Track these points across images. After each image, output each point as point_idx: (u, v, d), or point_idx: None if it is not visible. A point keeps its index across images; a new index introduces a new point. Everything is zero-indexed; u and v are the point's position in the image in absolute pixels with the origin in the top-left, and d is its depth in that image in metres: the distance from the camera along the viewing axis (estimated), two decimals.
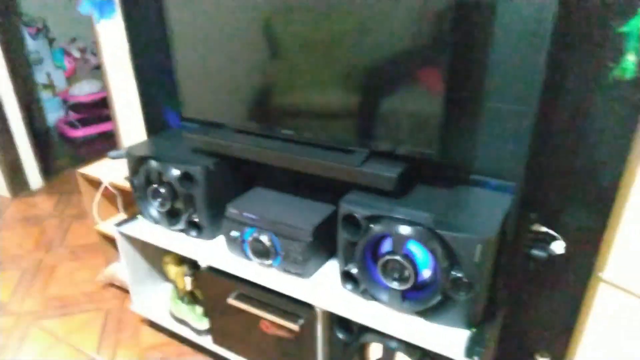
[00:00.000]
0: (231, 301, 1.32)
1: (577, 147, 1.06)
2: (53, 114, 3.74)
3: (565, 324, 1.26)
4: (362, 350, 1.22)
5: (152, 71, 1.51)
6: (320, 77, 1.10)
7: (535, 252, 1.10)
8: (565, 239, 1.13)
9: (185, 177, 1.34)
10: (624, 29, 0.85)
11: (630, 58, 0.85)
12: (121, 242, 1.56)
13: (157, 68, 1.50)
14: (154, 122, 1.56)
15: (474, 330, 1.04)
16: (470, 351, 0.99)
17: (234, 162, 1.38)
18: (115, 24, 1.68)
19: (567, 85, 1.02)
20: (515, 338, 1.35)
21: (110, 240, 1.94)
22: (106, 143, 3.50)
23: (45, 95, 3.66)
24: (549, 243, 1.11)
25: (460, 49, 1.01)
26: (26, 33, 3.42)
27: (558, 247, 1.10)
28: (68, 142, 3.59)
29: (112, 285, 2.00)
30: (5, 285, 2.05)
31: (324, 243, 1.23)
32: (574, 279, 1.19)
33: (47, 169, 3.07)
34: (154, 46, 1.47)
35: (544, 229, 1.11)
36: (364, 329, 1.15)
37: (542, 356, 1.35)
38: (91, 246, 2.31)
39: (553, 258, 1.15)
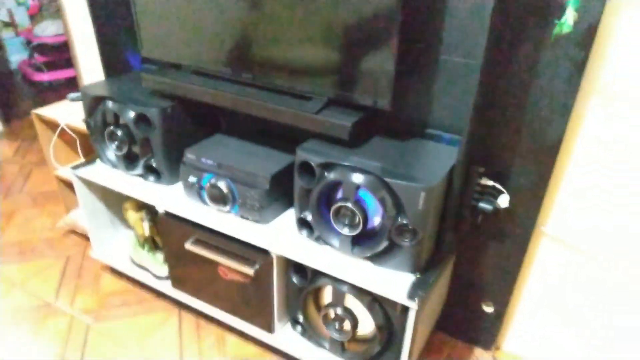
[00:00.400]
0: (188, 246, 1.33)
1: (524, 104, 1.08)
2: (15, 56, 3.57)
3: (509, 274, 1.33)
4: (316, 293, 1.26)
5: (111, 8, 1.44)
6: (281, 25, 1.07)
7: (482, 205, 1.14)
8: (511, 193, 1.17)
9: (141, 119, 1.32)
10: None
11: (568, 13, 0.86)
12: (79, 187, 1.54)
13: (117, 5, 1.43)
14: (113, 64, 1.51)
15: (418, 275, 1.09)
16: (412, 294, 1.03)
17: (194, 106, 1.35)
18: None
19: (515, 41, 1.03)
20: (464, 287, 1.42)
21: (71, 187, 1.91)
22: (75, 89, 3.38)
23: (6, 34, 3.47)
24: (495, 197, 1.15)
25: (413, 3, 1.00)
26: None
27: (503, 200, 1.14)
28: (32, 85, 3.44)
29: (73, 232, 1.99)
30: None
31: (282, 191, 1.24)
32: (518, 232, 1.24)
33: (8, 114, 2.96)
34: None
35: (491, 182, 1.14)
36: (318, 274, 1.19)
37: (487, 305, 1.42)
38: (52, 193, 2.27)
39: (498, 211, 1.19)
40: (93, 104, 1.40)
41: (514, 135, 1.13)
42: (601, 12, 0.94)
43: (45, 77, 3.33)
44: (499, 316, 1.41)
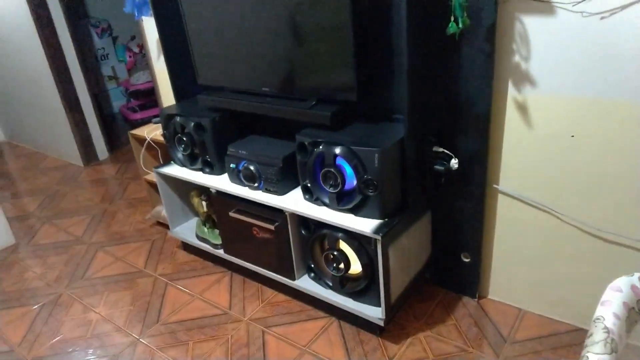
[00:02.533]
0: (232, 214, 1.84)
1: (456, 86, 1.47)
2: (117, 102, 4.47)
3: (476, 227, 1.66)
4: (320, 242, 1.69)
5: (177, 54, 2.05)
6: (286, 57, 1.58)
7: (436, 167, 1.52)
8: (459, 157, 1.54)
9: (199, 127, 1.87)
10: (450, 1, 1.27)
11: (452, 19, 1.26)
12: (159, 182, 2.13)
13: (181, 52, 2.04)
14: (181, 92, 2.11)
15: (386, 220, 1.49)
16: (377, 230, 1.44)
17: (235, 115, 1.89)
18: (152, 21, 2.25)
19: (436, 44, 1.43)
20: (446, 241, 1.76)
21: (156, 188, 2.52)
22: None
23: (110, 85, 4.39)
24: (447, 161, 1.52)
25: (363, 26, 1.45)
26: (94, 33, 4.14)
27: (454, 163, 1.51)
28: (129, 123, 4.30)
29: (157, 223, 2.60)
30: (79, 225, 2.72)
31: (291, 170, 1.71)
32: (474, 190, 1.59)
33: (112, 145, 3.78)
34: (178, 36, 2.01)
35: (441, 149, 1.52)
36: (318, 226, 1.63)
37: (465, 257, 1.75)
38: (142, 199, 2.94)
39: (452, 172, 1.55)
40: (168, 120, 1.99)
41: (454, 111, 1.51)
42: (495, 13, 1.33)
43: (138, 115, 4.16)
44: (476, 265, 1.73)
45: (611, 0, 1.21)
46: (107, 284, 2.17)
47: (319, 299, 1.76)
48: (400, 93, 1.52)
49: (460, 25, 1.26)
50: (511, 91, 1.45)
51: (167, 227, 2.55)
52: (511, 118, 1.48)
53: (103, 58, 4.27)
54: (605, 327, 0.83)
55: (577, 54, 1.31)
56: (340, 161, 1.49)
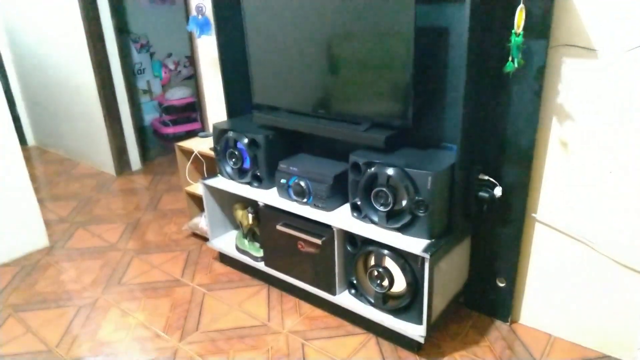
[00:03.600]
0: (279, 227, 1.93)
1: (505, 120, 1.58)
2: (148, 115, 4.63)
3: (513, 254, 1.74)
4: (364, 259, 1.78)
5: (232, 73, 2.18)
6: (344, 81, 1.70)
7: (481, 194, 1.61)
8: (504, 187, 1.63)
9: (252, 143, 1.99)
10: (509, 42, 1.39)
11: (510, 59, 1.38)
12: (204, 193, 2.23)
13: (236, 72, 2.17)
14: (233, 109, 2.24)
15: (433, 240, 1.57)
16: (426, 249, 1.52)
17: (287, 134, 2.00)
18: (210, 40, 2.40)
19: (490, 80, 1.55)
20: (482, 266, 1.84)
21: (195, 200, 2.63)
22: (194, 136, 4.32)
23: (143, 99, 4.56)
24: (491, 188, 1.62)
25: (423, 68, 1.57)
26: (133, 48, 4.33)
27: (498, 191, 1.61)
28: (159, 137, 4.44)
29: (193, 234, 2.69)
30: (114, 232, 2.81)
31: (341, 188, 1.81)
32: (513, 218, 1.68)
33: (144, 157, 3.90)
34: (235, 56, 2.15)
35: (486, 177, 1.62)
36: (364, 243, 1.72)
37: (500, 281, 1.82)
38: (177, 210, 3.04)
39: (495, 200, 1.65)
40: (220, 135, 2.11)
41: (501, 144, 1.62)
42: (545, 56, 1.45)
43: (170, 130, 4.31)
44: (510, 290, 1.80)
45: None
46: (144, 291, 2.24)
47: (356, 315, 1.83)
48: (451, 123, 1.64)
49: (516, 65, 1.38)
50: (555, 127, 1.56)
51: (202, 238, 2.64)
52: (553, 152, 1.59)
53: (140, 72, 4.45)
54: None
55: (617, 97, 1.42)
56: (392, 182, 1.59)
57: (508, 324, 1.87)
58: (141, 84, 4.51)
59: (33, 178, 3.70)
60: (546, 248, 1.71)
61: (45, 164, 4.05)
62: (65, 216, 3.05)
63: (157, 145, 4.27)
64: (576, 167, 1.56)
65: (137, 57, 4.40)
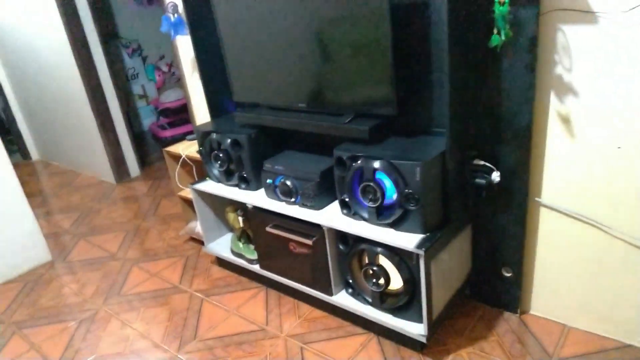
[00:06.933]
0: (269, 229, 1.84)
1: (497, 99, 1.45)
2: (146, 120, 4.58)
3: (517, 241, 1.63)
4: (358, 257, 1.68)
5: (212, 72, 2.09)
6: (323, 73, 1.59)
7: (478, 181, 1.50)
8: (500, 170, 1.51)
9: (235, 144, 1.90)
10: (494, 14, 1.26)
11: (495, 32, 1.25)
12: (195, 198, 2.15)
13: (216, 70, 2.08)
14: (215, 109, 2.15)
15: (428, 234, 1.47)
16: (420, 245, 1.42)
17: (269, 132, 1.91)
18: (187, 40, 2.30)
19: (478, 57, 1.43)
20: (486, 256, 1.73)
21: (189, 204, 2.56)
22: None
23: (140, 104, 4.51)
24: (489, 173, 1.50)
25: (404, 48, 1.45)
26: (124, 53, 4.27)
27: (495, 176, 1.49)
28: (159, 140, 4.39)
29: (191, 239, 2.63)
30: (114, 241, 2.77)
31: (328, 185, 1.71)
32: (515, 203, 1.56)
33: (143, 162, 3.85)
34: (213, 54, 2.05)
35: (482, 162, 1.50)
36: (356, 241, 1.62)
37: (506, 271, 1.71)
38: (175, 215, 2.98)
39: (494, 186, 1.53)
40: (203, 137, 2.02)
41: (495, 124, 1.50)
42: (536, 25, 1.32)
43: (168, 133, 4.24)
44: (518, 280, 1.69)
45: None
46: (143, 300, 2.19)
47: (357, 315, 1.74)
48: (439, 106, 1.52)
49: (503, 38, 1.25)
50: (553, 102, 1.43)
51: (200, 242, 2.57)
52: (553, 130, 1.46)
53: (133, 77, 4.39)
54: None
55: (622, 63, 1.29)
56: (379, 175, 1.49)
57: (517, 315, 1.76)
58: (136, 89, 4.45)
59: (38, 192, 3.72)
60: (554, 233, 1.59)
61: (49, 176, 4.04)
62: (67, 228, 3.03)
63: (157, 150, 4.21)
64: (580, 144, 1.43)
65: (130, 62, 4.34)
